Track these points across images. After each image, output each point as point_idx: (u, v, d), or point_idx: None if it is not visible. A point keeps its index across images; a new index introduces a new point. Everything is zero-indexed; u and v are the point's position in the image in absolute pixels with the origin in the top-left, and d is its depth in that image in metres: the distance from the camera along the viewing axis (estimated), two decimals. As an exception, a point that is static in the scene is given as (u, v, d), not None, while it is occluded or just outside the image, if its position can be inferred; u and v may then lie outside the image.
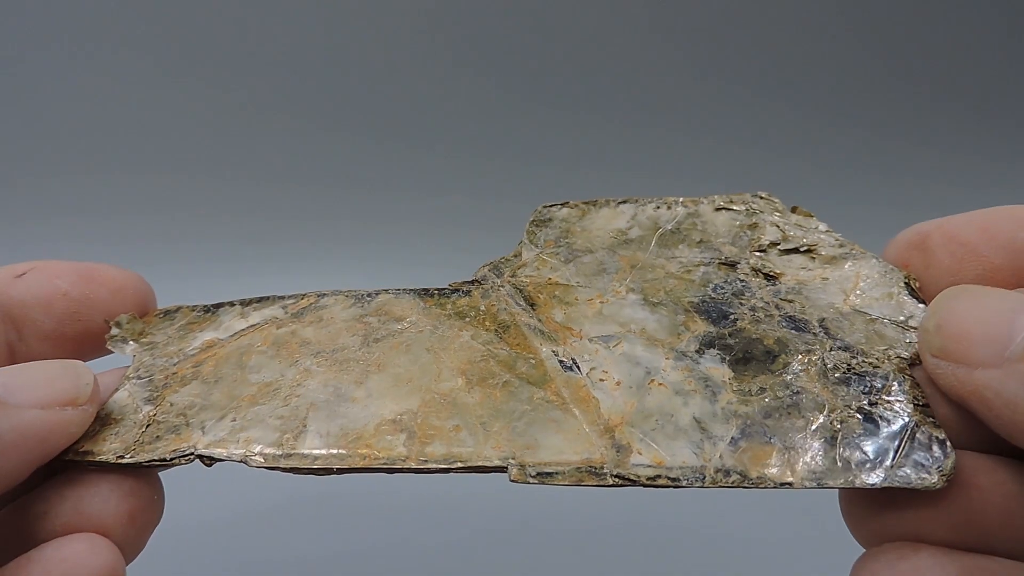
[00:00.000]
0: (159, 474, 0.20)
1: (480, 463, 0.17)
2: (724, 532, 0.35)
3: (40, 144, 0.52)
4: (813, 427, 0.17)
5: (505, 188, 0.52)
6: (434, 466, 0.17)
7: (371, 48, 0.52)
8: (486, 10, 0.52)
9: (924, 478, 0.16)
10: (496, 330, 0.21)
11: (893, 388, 0.18)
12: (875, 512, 0.17)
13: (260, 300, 0.23)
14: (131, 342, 0.22)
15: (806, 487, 0.16)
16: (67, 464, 0.19)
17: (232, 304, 0.23)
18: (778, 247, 0.22)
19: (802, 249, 0.22)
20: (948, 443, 0.16)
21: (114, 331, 0.22)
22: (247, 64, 0.52)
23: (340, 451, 0.18)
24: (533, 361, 0.20)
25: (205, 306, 0.23)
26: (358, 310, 0.22)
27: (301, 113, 0.53)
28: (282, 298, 0.23)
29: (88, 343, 0.21)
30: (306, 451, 0.18)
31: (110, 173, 0.52)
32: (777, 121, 0.55)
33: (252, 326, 0.22)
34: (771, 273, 0.22)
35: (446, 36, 0.52)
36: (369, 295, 0.22)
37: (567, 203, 0.24)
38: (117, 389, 0.20)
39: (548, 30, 0.53)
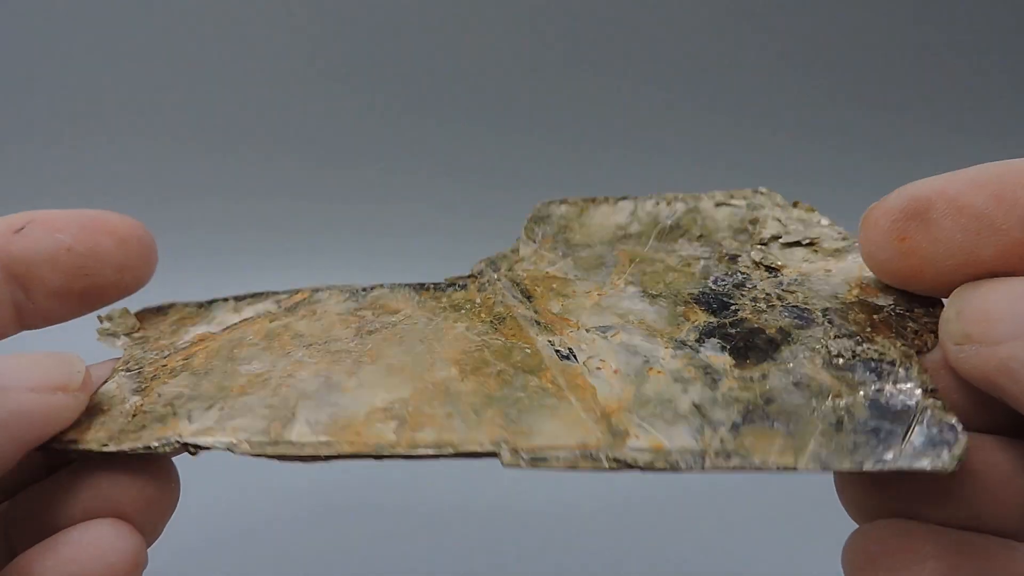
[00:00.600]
0: (173, 461, 0.19)
1: (472, 448, 0.17)
2: (720, 521, 0.35)
3: (37, 143, 0.52)
4: (818, 412, 0.17)
5: (504, 184, 0.51)
6: (424, 452, 0.17)
7: (371, 42, 0.52)
8: (486, 7, 0.52)
9: (936, 461, 0.15)
10: (491, 321, 0.20)
11: (900, 374, 0.17)
12: (869, 490, 0.17)
13: (254, 296, 0.23)
14: (122, 336, 0.21)
15: (810, 470, 0.16)
16: (72, 457, 0.18)
17: (225, 300, 0.23)
18: (780, 240, 0.22)
19: (804, 243, 0.22)
20: (959, 425, 0.16)
21: (105, 324, 0.21)
22: (245, 59, 0.52)
23: (328, 438, 0.17)
24: (528, 351, 0.19)
25: (198, 302, 0.23)
26: (352, 304, 0.22)
27: (297, 107, 0.53)
28: (276, 293, 0.23)
29: (96, 296, 0.20)
30: (294, 438, 0.17)
31: (104, 165, 0.52)
32: (779, 115, 0.54)
33: (244, 320, 0.22)
34: (773, 265, 0.21)
35: (445, 31, 0.52)
36: (364, 290, 0.22)
37: (565, 200, 0.24)
38: (105, 381, 0.20)
39: (548, 26, 0.53)
